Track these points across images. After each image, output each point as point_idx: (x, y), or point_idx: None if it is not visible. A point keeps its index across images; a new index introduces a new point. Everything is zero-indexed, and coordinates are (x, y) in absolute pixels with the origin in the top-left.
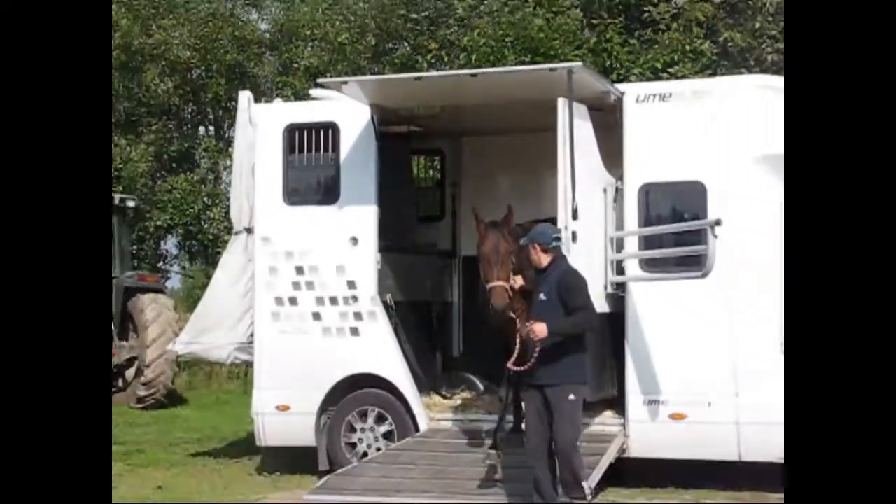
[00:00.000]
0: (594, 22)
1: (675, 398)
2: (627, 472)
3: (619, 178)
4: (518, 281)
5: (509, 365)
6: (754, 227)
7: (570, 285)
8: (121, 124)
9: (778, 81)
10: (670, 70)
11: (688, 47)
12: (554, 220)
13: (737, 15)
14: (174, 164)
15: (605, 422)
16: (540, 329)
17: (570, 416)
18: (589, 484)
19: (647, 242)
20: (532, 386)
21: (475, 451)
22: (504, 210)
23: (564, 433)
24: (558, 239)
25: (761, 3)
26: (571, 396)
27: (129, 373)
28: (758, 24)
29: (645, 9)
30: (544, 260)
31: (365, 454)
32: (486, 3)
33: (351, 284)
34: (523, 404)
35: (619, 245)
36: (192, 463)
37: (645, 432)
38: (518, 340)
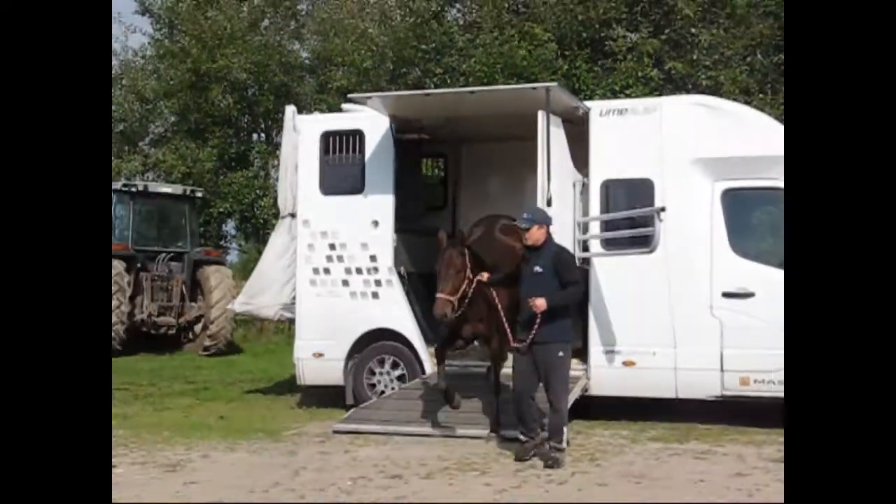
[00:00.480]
0: (566, 53)
1: (627, 349)
2: (590, 407)
3: (586, 175)
4: (484, 276)
5: (513, 345)
6: (689, 213)
7: (566, 261)
8: (191, 132)
9: (710, 100)
10: (626, 91)
11: (640, 74)
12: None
13: (678, 49)
14: (233, 163)
15: (572, 367)
16: (541, 303)
17: (560, 370)
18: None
19: (607, 226)
20: (527, 342)
21: (468, 391)
22: (492, 204)
23: (557, 385)
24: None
25: (698, 40)
26: (560, 353)
27: (198, 328)
28: (695, 56)
29: (606, 43)
30: (542, 237)
31: (382, 392)
32: (480, 37)
33: (373, 258)
34: (513, 359)
35: (585, 228)
36: (247, 398)
37: (603, 375)
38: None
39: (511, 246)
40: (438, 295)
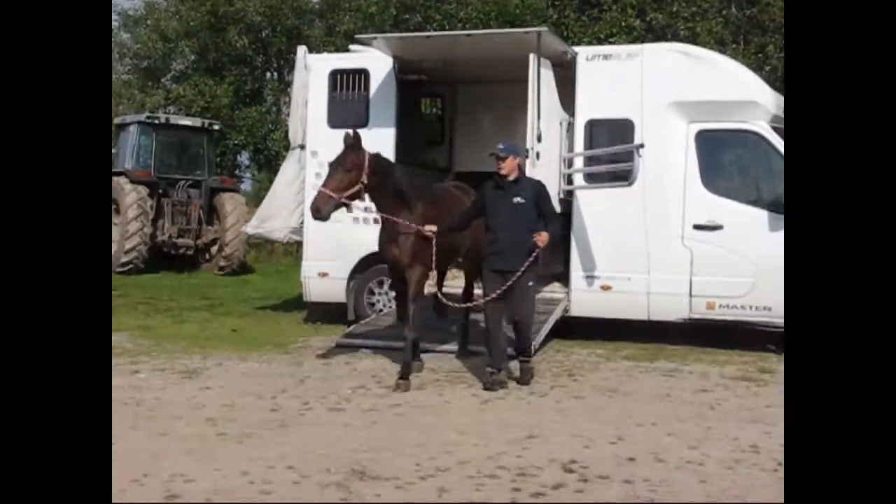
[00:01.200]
0: (556, 3)
1: (604, 274)
2: (570, 328)
3: (571, 115)
4: (433, 229)
5: (494, 295)
6: (665, 151)
7: (545, 195)
8: (209, 69)
9: (688, 48)
10: (610, 39)
11: (623, 23)
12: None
13: (659, 1)
14: (247, 99)
15: (554, 290)
16: (545, 238)
17: (529, 296)
18: (534, 343)
19: (590, 161)
20: (496, 271)
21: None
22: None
23: (524, 308)
24: None
25: None
26: (530, 282)
27: (213, 249)
28: (674, 8)
29: None
30: (515, 168)
31: (381, 311)
32: None
33: None
34: (485, 284)
35: (570, 163)
36: (257, 314)
37: (582, 299)
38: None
39: (460, 198)
40: (320, 188)
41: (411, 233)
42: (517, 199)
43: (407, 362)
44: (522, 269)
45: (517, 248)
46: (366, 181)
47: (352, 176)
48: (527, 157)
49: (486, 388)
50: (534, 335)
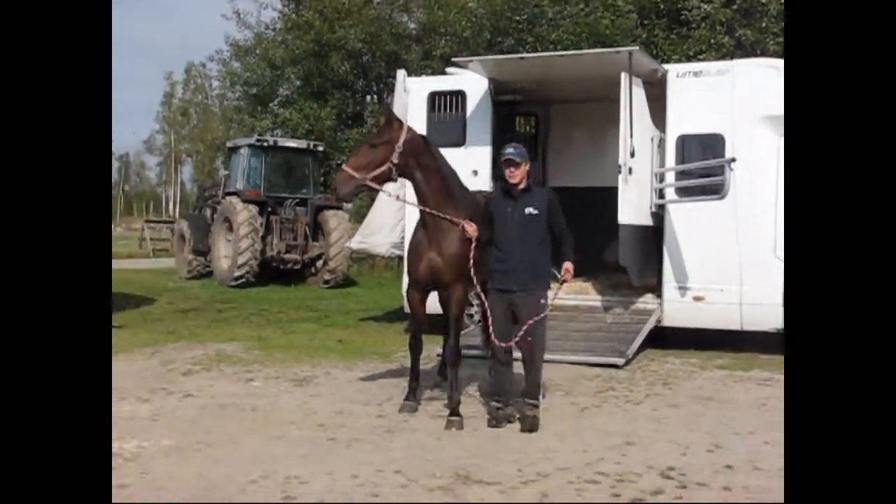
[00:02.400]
0: (645, 22)
1: (697, 285)
2: (664, 338)
3: (663, 130)
4: (470, 230)
5: (513, 342)
6: (757, 164)
7: (558, 207)
8: (314, 94)
9: (778, 63)
10: (699, 56)
11: (712, 41)
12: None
13: (749, 17)
14: (349, 122)
15: (647, 301)
16: (571, 270)
17: (540, 324)
18: (628, 353)
19: (681, 176)
20: (504, 291)
21: None
22: (576, 157)
23: (535, 339)
24: None
25: (767, 9)
26: (542, 301)
27: (318, 264)
28: (764, 24)
29: (682, 13)
30: (525, 176)
31: (479, 321)
32: (568, 9)
33: None
34: (491, 303)
35: (661, 178)
36: (361, 325)
37: (675, 309)
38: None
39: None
40: (344, 166)
41: (466, 232)
42: (529, 210)
43: (450, 397)
44: (521, 333)
45: (528, 265)
46: (396, 161)
47: (378, 153)
48: (619, 172)
49: (491, 425)
50: (628, 350)
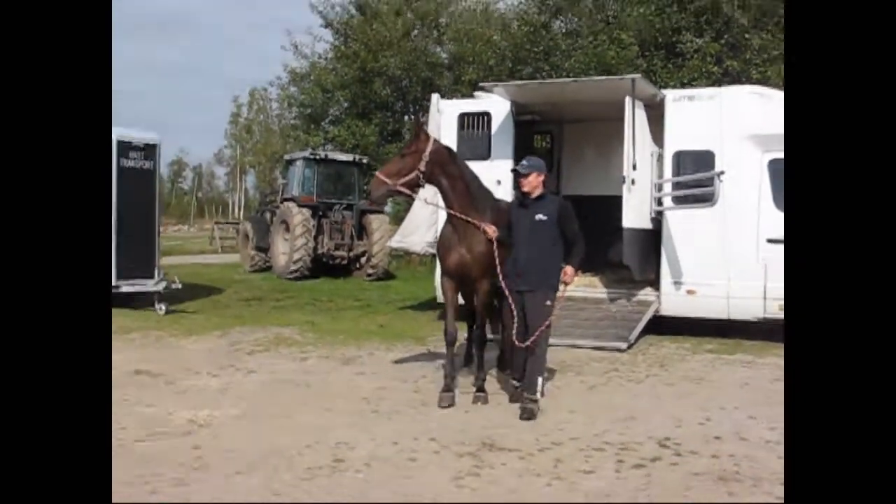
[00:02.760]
0: (645, 54)
1: (690, 280)
2: (661, 325)
3: (661, 146)
4: (490, 231)
5: (522, 345)
6: (742, 177)
7: (570, 214)
8: (359, 114)
9: (760, 90)
10: (692, 83)
11: (703, 70)
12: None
13: (735, 50)
14: (389, 138)
15: (647, 294)
16: (572, 273)
17: (544, 317)
18: (630, 338)
19: (677, 186)
20: (517, 292)
21: None
22: (586, 169)
23: (538, 332)
24: None
25: (750, 43)
26: (548, 302)
27: (363, 260)
28: (748, 56)
29: (677, 46)
30: (538, 185)
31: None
32: (579, 42)
33: None
34: (513, 304)
35: (660, 188)
36: (399, 312)
37: (671, 301)
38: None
39: (506, 213)
40: (377, 173)
41: (486, 234)
42: (538, 217)
43: (476, 376)
44: (533, 337)
45: (537, 267)
46: (423, 169)
47: (407, 162)
48: (623, 182)
49: (513, 401)
50: (630, 336)
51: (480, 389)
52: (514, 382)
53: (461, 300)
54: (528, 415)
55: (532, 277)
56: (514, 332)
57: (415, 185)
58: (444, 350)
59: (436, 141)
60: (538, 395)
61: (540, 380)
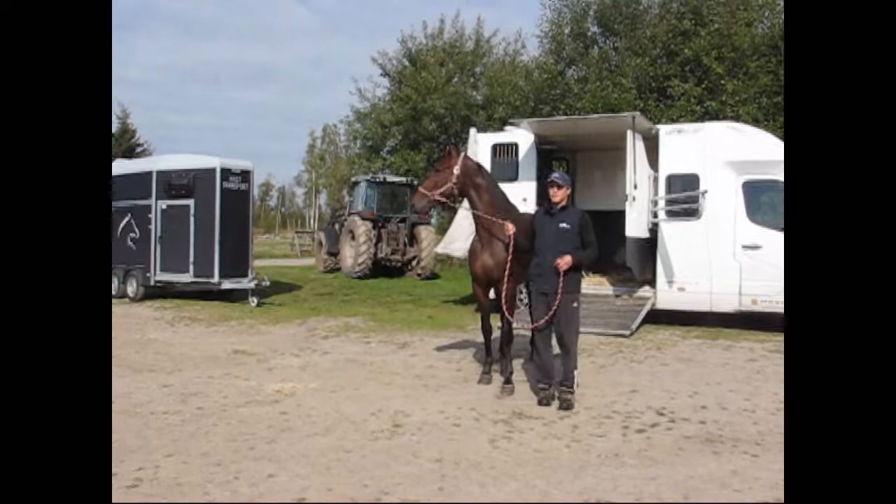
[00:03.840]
0: (642, 96)
1: (680, 279)
2: (655, 317)
3: (656, 171)
4: (510, 228)
5: (535, 325)
6: (722, 195)
7: (589, 224)
8: (411, 145)
9: (736, 125)
10: (680, 119)
11: (689, 109)
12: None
13: (713, 93)
14: (435, 164)
15: (645, 291)
16: (568, 260)
17: (573, 318)
18: (632, 327)
19: (669, 203)
20: (542, 293)
21: None
22: (596, 188)
23: (569, 331)
24: None
25: (725, 88)
26: (574, 304)
27: (414, 263)
28: (724, 98)
29: (667, 90)
30: (566, 197)
31: (528, 304)
32: (588, 86)
33: None
34: (532, 305)
35: (655, 204)
36: (444, 305)
37: (664, 297)
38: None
39: (529, 224)
40: (420, 188)
41: (506, 230)
42: (563, 225)
43: (504, 367)
44: (550, 314)
45: (559, 270)
46: (455, 180)
47: (441, 176)
48: (626, 199)
49: (540, 404)
50: (632, 325)
51: (508, 381)
52: (542, 385)
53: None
54: (566, 405)
55: (555, 280)
56: (533, 322)
57: (450, 195)
58: (481, 338)
59: (465, 156)
60: (574, 386)
61: (576, 373)
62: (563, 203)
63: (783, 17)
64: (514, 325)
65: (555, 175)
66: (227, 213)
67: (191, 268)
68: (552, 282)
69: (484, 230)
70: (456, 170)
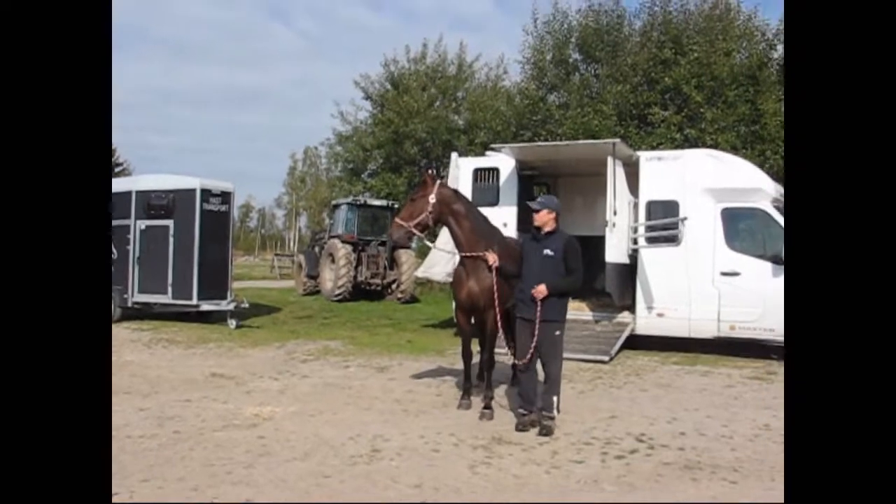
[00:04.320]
0: (623, 122)
1: (659, 305)
2: (635, 342)
3: (636, 197)
4: (490, 259)
5: (517, 362)
6: (701, 222)
7: (575, 250)
8: (392, 168)
9: (714, 153)
10: (660, 146)
11: (668, 136)
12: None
13: (692, 121)
14: (410, 192)
15: (625, 316)
16: (542, 290)
17: (556, 346)
18: (611, 352)
19: (649, 229)
20: (524, 319)
21: None
22: (577, 213)
23: (552, 359)
24: None
25: (704, 116)
26: (557, 332)
27: (394, 286)
28: (702, 126)
29: (647, 117)
30: (550, 222)
31: None
32: (569, 112)
33: None
34: (516, 331)
35: (635, 230)
36: (424, 330)
37: (644, 322)
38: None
39: (514, 248)
40: (397, 219)
41: (487, 260)
42: (547, 252)
43: (485, 395)
44: (529, 354)
45: (545, 298)
46: (431, 210)
47: (417, 205)
48: (606, 225)
49: (518, 429)
50: (611, 350)
51: (487, 406)
52: (521, 411)
53: (474, 324)
54: (546, 431)
55: (542, 309)
56: (516, 355)
57: (426, 225)
58: (461, 363)
59: (441, 184)
60: (555, 412)
61: (555, 399)
62: (550, 228)
63: (761, 46)
64: (502, 352)
65: (536, 200)
66: (206, 234)
67: (169, 289)
68: (534, 309)
69: (468, 261)
70: (432, 198)
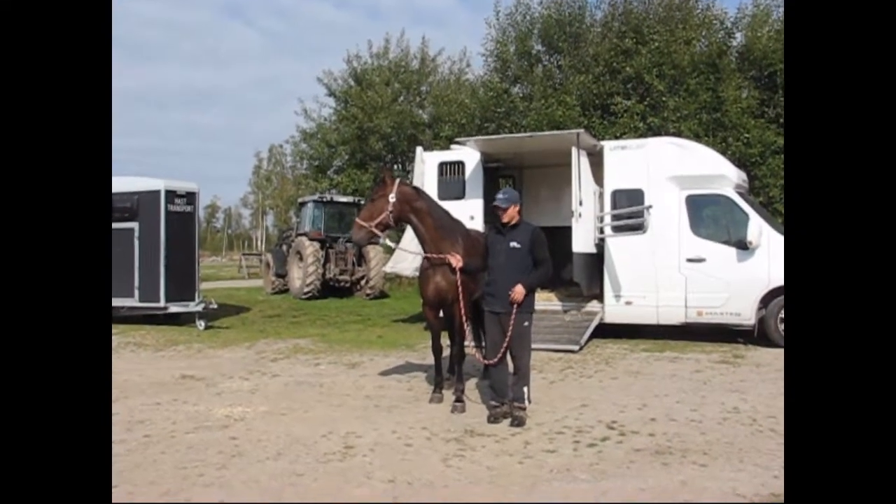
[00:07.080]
0: (586, 113)
1: (627, 294)
2: (605, 330)
3: (601, 186)
4: (455, 261)
5: (487, 362)
6: (666, 210)
7: (542, 241)
8: (357, 164)
9: (677, 140)
10: (624, 136)
11: (632, 126)
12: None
13: (655, 110)
14: (370, 192)
15: (593, 305)
16: (520, 292)
17: (525, 337)
18: (581, 342)
19: (615, 218)
20: (492, 312)
21: None
22: (543, 205)
23: (521, 351)
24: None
25: (667, 105)
26: (525, 323)
27: (362, 282)
28: (665, 115)
29: (611, 107)
30: (516, 215)
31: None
32: (533, 104)
33: None
34: (485, 324)
35: (601, 220)
36: (393, 325)
37: (612, 311)
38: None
39: (479, 240)
40: (357, 219)
41: (456, 263)
42: (513, 244)
43: (456, 388)
44: (503, 348)
45: (508, 290)
46: (391, 209)
47: (377, 205)
48: (572, 215)
49: (490, 421)
50: (581, 340)
51: (459, 399)
52: (493, 402)
53: (442, 318)
54: (518, 422)
55: (505, 300)
56: (485, 352)
57: (388, 225)
58: (431, 357)
59: (401, 182)
60: (526, 402)
61: (526, 390)
62: (514, 221)
63: (720, 35)
64: (468, 345)
65: (498, 197)
66: (172, 235)
67: (136, 292)
68: (504, 303)
69: (434, 251)
70: (392, 197)
